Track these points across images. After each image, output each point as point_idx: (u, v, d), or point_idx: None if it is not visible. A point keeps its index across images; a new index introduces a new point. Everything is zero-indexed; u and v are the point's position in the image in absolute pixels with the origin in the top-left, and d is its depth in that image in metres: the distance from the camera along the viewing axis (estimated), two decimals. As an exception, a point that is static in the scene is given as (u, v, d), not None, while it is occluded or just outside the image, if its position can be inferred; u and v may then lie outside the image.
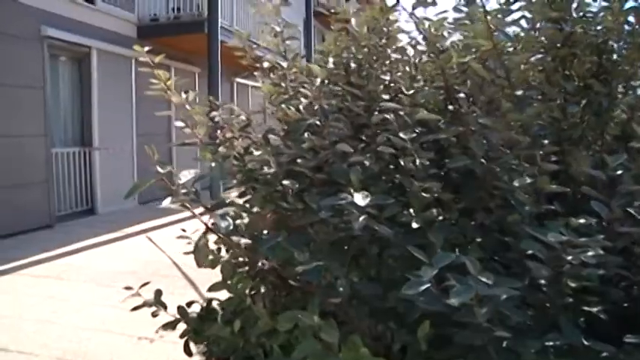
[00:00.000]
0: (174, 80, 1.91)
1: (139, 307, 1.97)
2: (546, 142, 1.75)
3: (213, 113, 2.00)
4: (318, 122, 1.66)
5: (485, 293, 1.04)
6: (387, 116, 1.61)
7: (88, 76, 8.55)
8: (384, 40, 2.06)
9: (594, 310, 1.28)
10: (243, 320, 1.76)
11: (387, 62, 2.05)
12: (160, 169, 1.45)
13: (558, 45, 1.90)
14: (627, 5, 1.90)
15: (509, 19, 1.82)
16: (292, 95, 1.98)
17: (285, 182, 1.53)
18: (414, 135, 1.51)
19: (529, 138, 1.64)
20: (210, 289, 1.86)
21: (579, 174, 1.64)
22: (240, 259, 1.79)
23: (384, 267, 1.51)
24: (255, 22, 9.15)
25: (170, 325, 1.98)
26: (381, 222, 1.36)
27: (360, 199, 1.29)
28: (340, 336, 1.34)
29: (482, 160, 1.54)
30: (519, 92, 1.74)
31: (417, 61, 2.11)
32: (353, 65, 2.10)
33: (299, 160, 1.60)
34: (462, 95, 1.75)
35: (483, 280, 1.05)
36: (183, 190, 1.46)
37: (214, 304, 1.98)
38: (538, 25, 1.97)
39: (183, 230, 1.82)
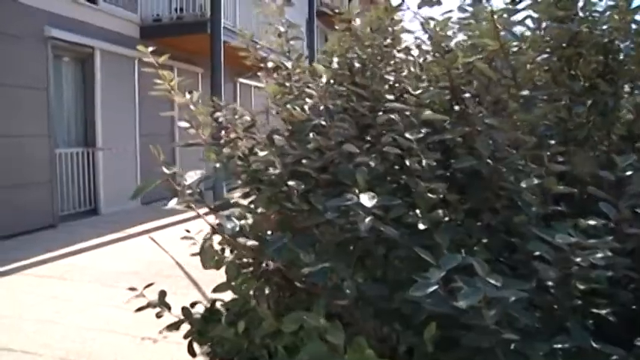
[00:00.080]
0: (178, 81, 1.91)
1: (143, 308, 1.97)
2: (552, 142, 1.74)
3: (217, 114, 1.99)
4: (323, 122, 1.65)
5: (493, 295, 1.03)
6: (393, 116, 1.60)
7: (91, 76, 8.57)
8: (388, 40, 2.05)
9: (603, 312, 1.27)
10: (247, 321, 1.75)
11: (392, 62, 2.04)
12: (165, 170, 1.44)
13: (564, 45, 1.89)
14: (634, 4, 1.88)
15: (514, 18, 1.81)
16: (297, 95, 1.97)
17: (290, 183, 1.52)
18: (421, 135, 1.50)
19: (535, 138, 1.63)
20: (215, 290, 1.85)
21: (585, 174, 1.63)
22: (245, 259, 1.79)
23: (389, 268, 1.50)
24: (258, 22, 9.13)
25: (174, 326, 1.97)
26: (387, 223, 1.36)
27: (367, 200, 1.28)
28: (345, 337, 1.34)
29: (489, 161, 1.53)
30: (526, 92, 1.72)
31: (421, 61, 2.10)
32: (357, 65, 2.09)
33: (304, 161, 1.59)
34: (467, 95, 1.74)
35: (492, 282, 1.04)
36: (188, 191, 1.45)
37: (218, 304, 1.97)
38: (544, 25, 1.96)
39: (187, 231, 1.82)
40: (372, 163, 1.57)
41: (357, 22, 2.20)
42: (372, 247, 1.47)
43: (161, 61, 1.87)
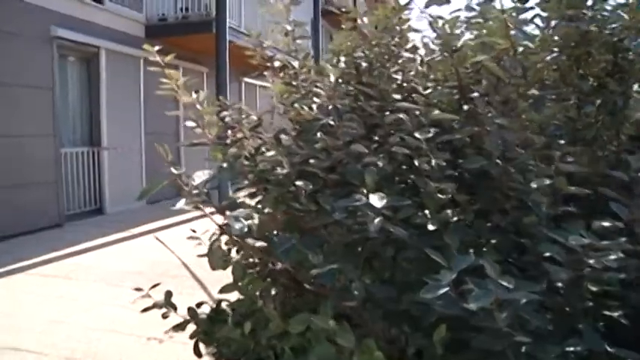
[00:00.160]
0: (184, 80, 1.90)
1: (149, 309, 1.96)
2: (562, 142, 1.72)
3: (224, 113, 1.98)
4: (331, 122, 1.64)
5: (504, 297, 1.02)
6: (401, 116, 1.59)
7: (97, 76, 8.58)
8: (396, 39, 2.03)
9: (615, 314, 1.25)
10: (253, 322, 1.74)
11: (400, 61, 2.03)
12: (174, 171, 1.43)
13: (572, 44, 1.87)
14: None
15: (522, 16, 1.80)
16: (304, 94, 1.96)
17: (298, 183, 1.51)
18: (430, 135, 1.48)
19: (544, 138, 1.61)
20: (222, 291, 1.84)
21: (594, 174, 1.62)
22: (251, 260, 1.78)
23: (397, 269, 1.48)
24: (263, 21, 9.12)
25: (180, 327, 1.97)
26: (396, 224, 1.34)
27: (377, 200, 1.27)
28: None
29: (498, 161, 1.52)
30: (535, 92, 1.70)
31: (428, 59, 2.09)
32: (364, 64, 2.08)
33: (312, 161, 1.58)
34: (476, 95, 1.72)
35: (504, 284, 1.03)
36: (195, 191, 1.45)
37: (224, 305, 1.96)
38: (552, 24, 1.94)
39: (194, 231, 1.81)
40: (380, 163, 1.55)
41: (365, 20, 2.18)
42: (380, 248, 1.46)
43: (167, 61, 1.87)
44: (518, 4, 1.79)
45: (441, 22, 1.78)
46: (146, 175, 9.58)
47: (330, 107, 1.69)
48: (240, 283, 1.82)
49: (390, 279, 1.48)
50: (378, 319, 1.43)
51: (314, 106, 1.81)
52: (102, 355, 3.33)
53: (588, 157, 1.69)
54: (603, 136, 1.90)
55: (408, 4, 2.03)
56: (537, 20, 1.88)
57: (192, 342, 1.98)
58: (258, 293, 1.81)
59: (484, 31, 1.84)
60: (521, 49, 1.90)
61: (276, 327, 1.62)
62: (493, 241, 1.51)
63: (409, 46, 2.07)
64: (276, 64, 2.15)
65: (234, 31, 9.43)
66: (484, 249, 1.46)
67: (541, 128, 1.69)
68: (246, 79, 13.02)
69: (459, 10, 1.83)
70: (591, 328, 1.20)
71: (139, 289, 1.99)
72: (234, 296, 1.89)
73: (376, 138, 1.77)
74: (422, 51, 2.09)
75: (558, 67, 1.92)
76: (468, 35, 1.96)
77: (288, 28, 2.14)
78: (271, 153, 1.66)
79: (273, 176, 1.64)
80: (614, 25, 1.93)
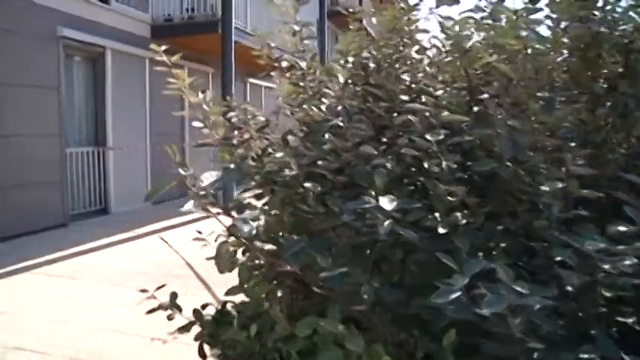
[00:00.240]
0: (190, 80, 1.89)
1: (154, 310, 1.95)
2: (573, 144, 1.70)
3: (231, 113, 1.97)
4: (340, 123, 1.62)
5: (518, 303, 1.00)
6: (410, 117, 1.57)
7: (103, 76, 8.60)
8: (405, 40, 2.01)
9: (629, 321, 1.23)
10: (259, 324, 1.73)
11: (408, 62, 2.01)
12: (182, 172, 1.41)
13: (583, 45, 1.85)
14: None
15: (532, 17, 1.77)
16: (312, 95, 1.95)
17: (306, 185, 1.49)
18: (441, 137, 1.46)
19: (555, 140, 1.59)
20: (228, 293, 1.83)
21: (604, 177, 1.59)
22: (257, 261, 1.76)
23: (406, 273, 1.46)
24: (269, 22, 9.12)
25: (185, 328, 1.95)
26: (405, 226, 1.32)
27: (387, 203, 1.25)
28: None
29: (508, 164, 1.49)
30: (546, 94, 1.68)
31: (437, 60, 2.07)
32: (372, 65, 2.06)
33: (320, 162, 1.56)
34: (486, 96, 1.70)
35: (517, 289, 1.01)
36: (202, 193, 1.43)
37: (229, 306, 1.95)
38: (563, 25, 1.92)
39: (199, 232, 1.80)
40: (389, 165, 1.53)
41: (374, 21, 2.17)
42: (389, 251, 1.44)
43: (173, 61, 1.86)
44: (529, 5, 1.77)
45: (450, 22, 1.76)
46: (151, 176, 9.59)
47: (339, 108, 1.67)
48: (246, 285, 1.80)
49: (399, 282, 1.46)
50: (387, 322, 1.41)
51: (323, 107, 1.79)
52: (106, 356, 3.32)
53: (599, 160, 1.67)
54: (613, 138, 1.87)
55: (417, 4, 2.01)
56: (548, 21, 1.86)
57: (197, 343, 1.97)
58: (264, 295, 1.79)
59: (492, 32, 1.82)
60: (529, 50, 1.88)
61: (283, 330, 1.60)
62: (503, 245, 1.49)
63: (417, 47, 2.06)
64: (284, 64, 2.13)
65: (239, 32, 9.43)
66: (494, 252, 1.44)
67: (551, 130, 1.67)
68: (252, 80, 13.02)
69: (469, 10, 1.81)
70: (605, 334, 1.18)
71: (144, 291, 1.98)
72: (238, 297, 1.87)
73: (385, 140, 1.75)
74: (430, 52, 2.08)
75: (569, 68, 1.90)
76: (476, 37, 1.94)
77: (296, 28, 2.12)
78: (279, 154, 1.64)
79: (280, 177, 1.63)
80: (624, 27, 1.91)
